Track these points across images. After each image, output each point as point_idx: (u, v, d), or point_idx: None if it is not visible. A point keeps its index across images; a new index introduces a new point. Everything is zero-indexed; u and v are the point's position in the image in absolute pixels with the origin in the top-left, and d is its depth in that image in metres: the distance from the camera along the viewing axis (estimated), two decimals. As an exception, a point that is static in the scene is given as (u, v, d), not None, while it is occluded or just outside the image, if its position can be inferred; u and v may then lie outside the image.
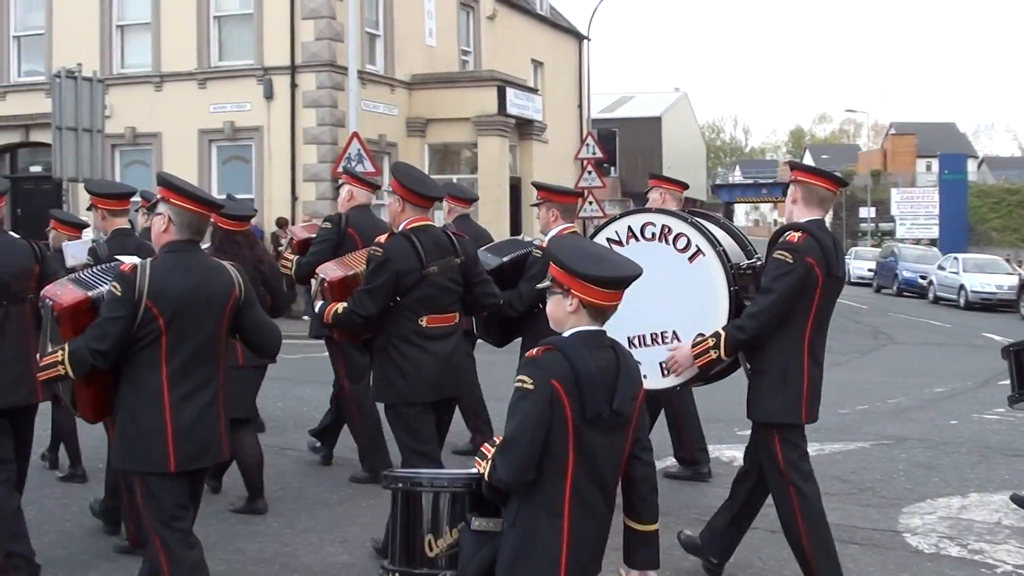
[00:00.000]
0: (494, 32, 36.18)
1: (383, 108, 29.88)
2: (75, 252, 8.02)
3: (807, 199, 6.59)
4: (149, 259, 5.53)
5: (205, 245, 8.33)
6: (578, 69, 43.26)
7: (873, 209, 70.99)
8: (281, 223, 26.56)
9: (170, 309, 5.38)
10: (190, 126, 28.87)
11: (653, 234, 7.19)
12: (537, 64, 39.17)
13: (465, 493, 4.55)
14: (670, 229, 7.12)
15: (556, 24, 42.16)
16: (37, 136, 30.28)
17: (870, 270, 50.68)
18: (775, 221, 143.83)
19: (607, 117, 64.12)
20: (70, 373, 5.38)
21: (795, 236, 6.42)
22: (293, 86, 27.96)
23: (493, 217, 29.69)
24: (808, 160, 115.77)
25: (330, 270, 7.50)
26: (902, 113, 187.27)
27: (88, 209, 8.39)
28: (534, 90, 33.97)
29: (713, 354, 6.52)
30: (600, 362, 4.34)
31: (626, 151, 64.55)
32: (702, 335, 6.70)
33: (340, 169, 10.85)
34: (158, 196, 5.67)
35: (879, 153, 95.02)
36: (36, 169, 30.97)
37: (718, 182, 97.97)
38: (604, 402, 4.30)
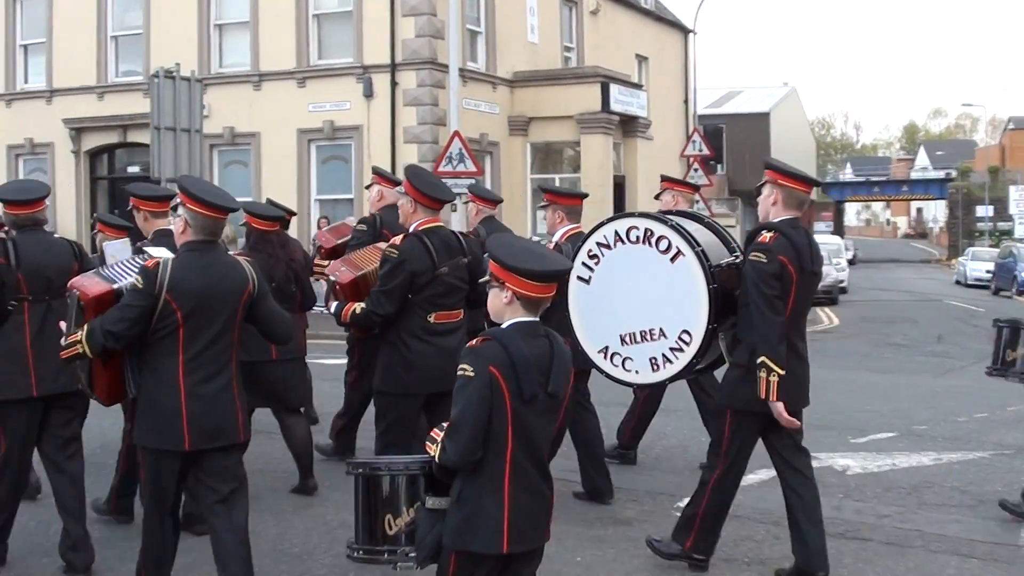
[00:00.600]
0: (597, 27, 35.93)
1: (484, 106, 29.81)
2: (115, 252, 8.31)
3: (787, 201, 7.10)
4: (170, 256, 6.14)
5: (241, 241, 9.78)
6: (683, 64, 42.91)
7: (991, 207, 69.58)
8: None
9: (188, 303, 6.01)
10: (289, 125, 29.08)
11: (637, 237, 7.75)
12: (641, 59, 38.89)
13: (419, 475, 4.99)
14: (652, 232, 7.66)
15: (661, 17, 41.81)
16: (135, 136, 30.68)
17: (988, 271, 49.27)
18: (887, 220, 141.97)
19: (714, 113, 63.56)
20: (87, 352, 6.04)
21: (767, 236, 6.98)
22: (393, 84, 27.97)
23: (597, 218, 29.35)
24: (923, 158, 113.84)
25: (340, 271, 8.11)
26: (1021, 107, 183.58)
27: (128, 211, 8.75)
28: (638, 86, 33.69)
29: (774, 378, 6.84)
30: (535, 349, 4.82)
31: (734, 148, 63.91)
32: (687, 332, 7.46)
33: (373, 169, 11.09)
34: (178, 200, 6.34)
35: (997, 149, 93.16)
36: (134, 169, 31.36)
37: (828, 179, 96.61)
38: (539, 385, 4.79)
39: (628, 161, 32.72)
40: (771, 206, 7.16)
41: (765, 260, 6.89)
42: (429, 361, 7.65)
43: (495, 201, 11.05)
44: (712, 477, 7.27)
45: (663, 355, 7.68)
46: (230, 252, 6.95)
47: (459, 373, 4.80)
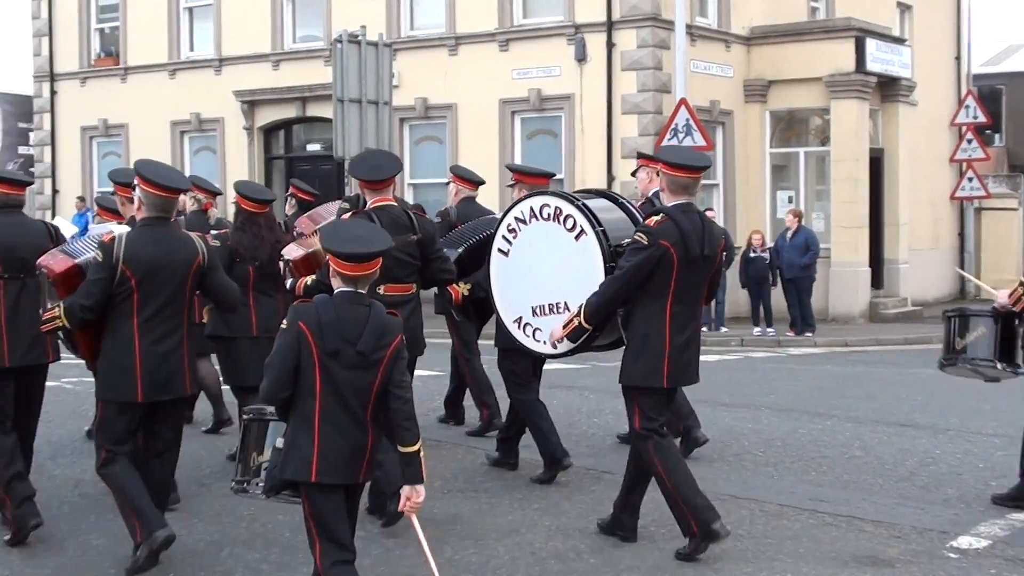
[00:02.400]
0: (850, -29, 35.53)
1: (716, 69, 29.73)
2: (99, 233, 9.43)
3: (671, 187, 8.64)
4: (126, 231, 8.25)
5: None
6: (955, 13, 42.00)
7: None
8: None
9: (140, 271, 8.05)
10: (490, 95, 29.51)
11: (549, 214, 9.54)
12: (904, 8, 38.20)
13: (277, 421, 6.92)
14: (561, 210, 9.43)
15: (927, -42, 41.10)
16: (315, 110, 31.59)
17: None
18: None
19: (991, 72, 62.00)
20: (67, 324, 8.20)
21: (653, 220, 8.51)
22: (610, 46, 28.17)
23: (849, 198, 29.31)
24: None
25: (292, 251, 10.20)
26: None
27: (112, 195, 11.03)
28: (901, 40, 33.10)
29: (576, 322, 8.80)
30: (347, 313, 6.59)
31: (1015, 114, 62.30)
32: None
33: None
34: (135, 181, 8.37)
35: None
36: (314, 148, 32.52)
37: None
38: (345, 342, 6.52)
39: (887, 131, 32.21)
40: (663, 193, 8.77)
41: (645, 242, 8.42)
42: None
43: (477, 183, 13.04)
44: (652, 465, 8.71)
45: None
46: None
47: (281, 326, 6.69)
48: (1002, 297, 10.02)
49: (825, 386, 17.92)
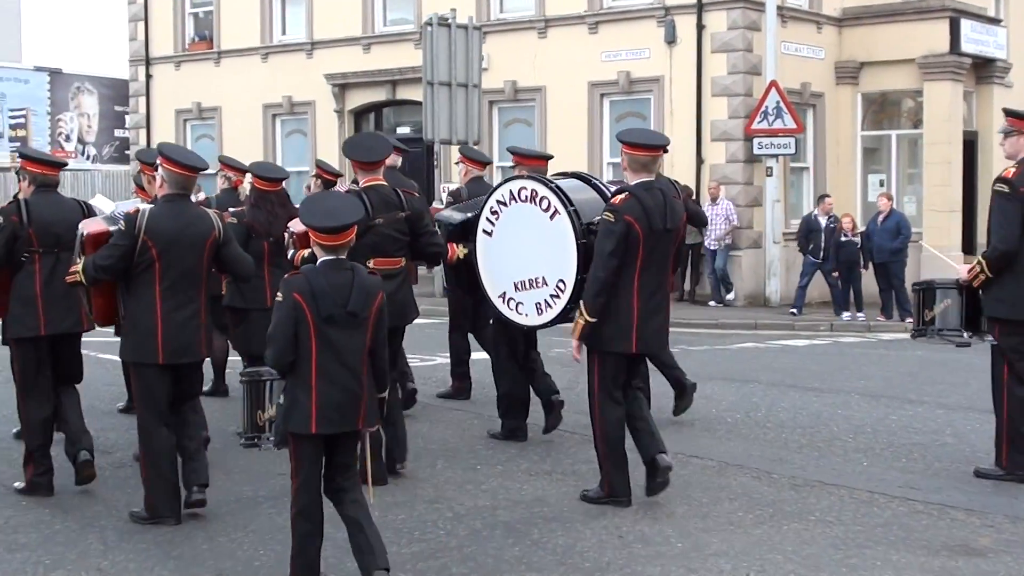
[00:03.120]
0: (945, -49, 35.05)
1: (807, 51, 29.51)
2: (126, 209, 10.20)
3: (632, 166, 9.36)
4: (149, 206, 9.10)
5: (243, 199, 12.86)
6: (1052, -7, 41.35)
7: None
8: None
9: (161, 243, 8.77)
10: (579, 78, 29.48)
11: (526, 196, 10.52)
12: (1000, -12, 37.68)
13: (279, 380, 7.59)
14: (536, 192, 10.41)
15: (1024, -64, 40.45)
16: (405, 93, 31.90)
17: None
18: None
19: (1089, 52, 61.01)
20: (83, 280, 8.95)
21: (618, 199, 9.23)
22: (700, 28, 28.02)
23: (942, 181, 28.89)
24: None
25: (297, 224, 10.33)
26: None
27: (136, 175, 12.51)
28: (996, 20, 32.55)
29: (582, 320, 9.29)
30: (335, 279, 7.30)
31: (1114, 95, 61.28)
32: (562, 281, 10.19)
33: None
34: (158, 160, 9.17)
35: None
36: (404, 130, 32.34)
37: None
38: (337, 306, 7.24)
39: (982, 114, 31.75)
40: (624, 171, 9.49)
41: (612, 220, 9.12)
42: None
43: (484, 163, 14.17)
44: (595, 424, 9.63)
45: (545, 300, 10.45)
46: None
47: (276, 298, 7.38)
48: (963, 272, 10.69)
49: (916, 372, 17.76)
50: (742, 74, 27.78)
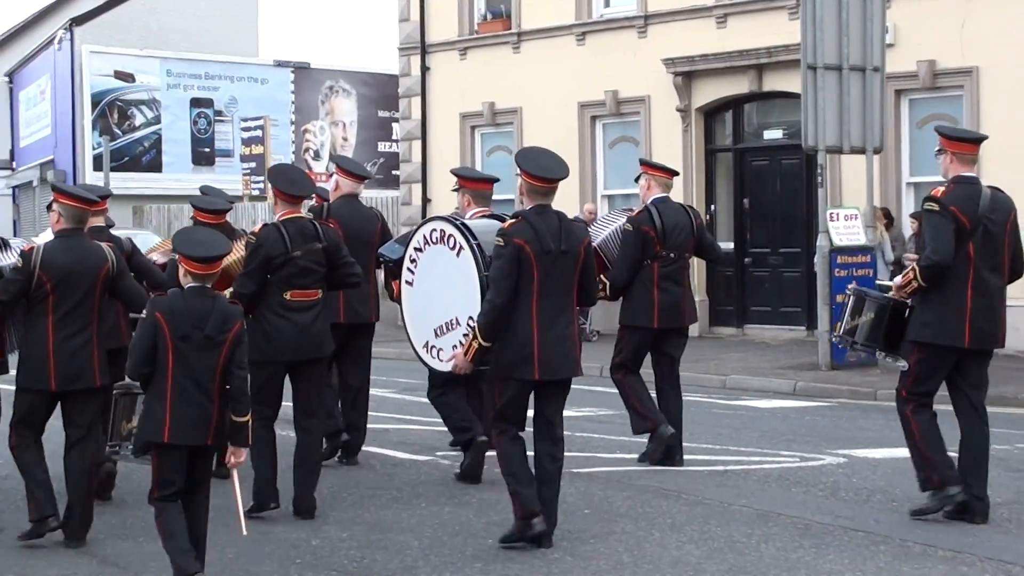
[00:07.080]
0: None
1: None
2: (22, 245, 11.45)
3: (528, 192, 10.05)
4: (44, 242, 10.48)
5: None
6: None
7: None
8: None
9: (55, 277, 10.12)
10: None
11: (437, 238, 11.49)
12: None
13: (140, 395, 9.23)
14: (444, 232, 11.40)
15: None
16: (774, 82, 26.82)
17: None
18: None
19: None
20: None
21: (508, 223, 10.09)
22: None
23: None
24: None
25: (157, 255, 12.60)
26: None
27: (47, 208, 11.91)
28: None
29: (476, 344, 9.99)
30: (196, 304, 8.69)
31: None
32: (471, 318, 10.60)
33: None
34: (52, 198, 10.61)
35: None
36: (774, 135, 27.65)
37: None
38: (195, 328, 8.61)
39: None
40: (520, 196, 10.27)
41: (503, 243, 9.82)
42: (285, 333, 10.99)
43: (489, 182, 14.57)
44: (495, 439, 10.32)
45: (460, 341, 10.86)
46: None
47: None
48: (896, 284, 11.00)
49: None
50: None
